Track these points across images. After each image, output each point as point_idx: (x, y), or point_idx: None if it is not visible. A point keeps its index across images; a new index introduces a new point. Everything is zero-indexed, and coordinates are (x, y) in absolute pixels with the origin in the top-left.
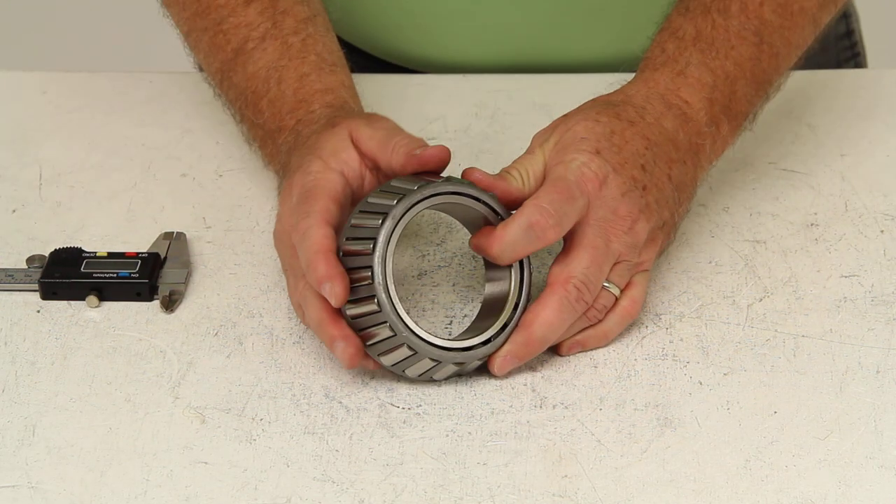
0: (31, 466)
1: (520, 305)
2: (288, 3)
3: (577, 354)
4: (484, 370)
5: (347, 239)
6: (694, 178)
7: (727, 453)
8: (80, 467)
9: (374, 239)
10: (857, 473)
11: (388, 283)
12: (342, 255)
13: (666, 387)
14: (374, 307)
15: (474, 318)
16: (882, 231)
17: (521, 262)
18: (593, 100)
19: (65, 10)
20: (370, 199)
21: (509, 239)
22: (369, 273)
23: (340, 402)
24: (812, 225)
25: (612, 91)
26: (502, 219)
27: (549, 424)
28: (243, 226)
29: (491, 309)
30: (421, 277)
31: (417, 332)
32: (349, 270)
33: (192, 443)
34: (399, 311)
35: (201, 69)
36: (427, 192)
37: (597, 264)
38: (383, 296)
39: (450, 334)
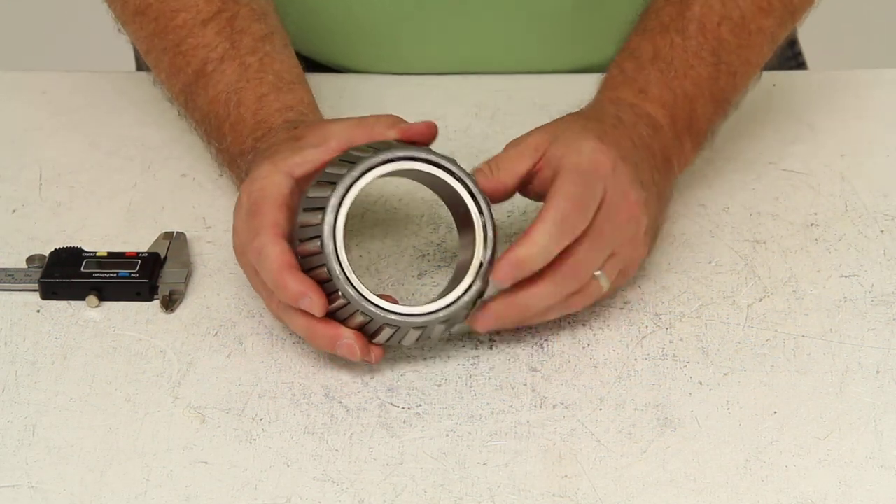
0: (31, 466)
1: (483, 267)
2: (245, 22)
3: (578, 354)
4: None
5: (303, 210)
6: (667, 187)
7: (727, 453)
8: (80, 467)
9: (324, 208)
10: (857, 473)
11: (339, 250)
12: (298, 227)
13: (666, 387)
14: (325, 276)
15: (445, 285)
16: (882, 231)
17: (484, 225)
18: (564, 115)
19: (65, 10)
20: (327, 170)
21: (547, 234)
22: (319, 243)
23: (340, 402)
24: (812, 225)
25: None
26: (463, 183)
27: (549, 424)
28: None
29: (459, 276)
30: (421, 277)
31: (371, 299)
32: (304, 242)
33: (192, 443)
34: (351, 278)
35: (156, 81)
36: (379, 159)
37: (595, 249)
38: (334, 264)
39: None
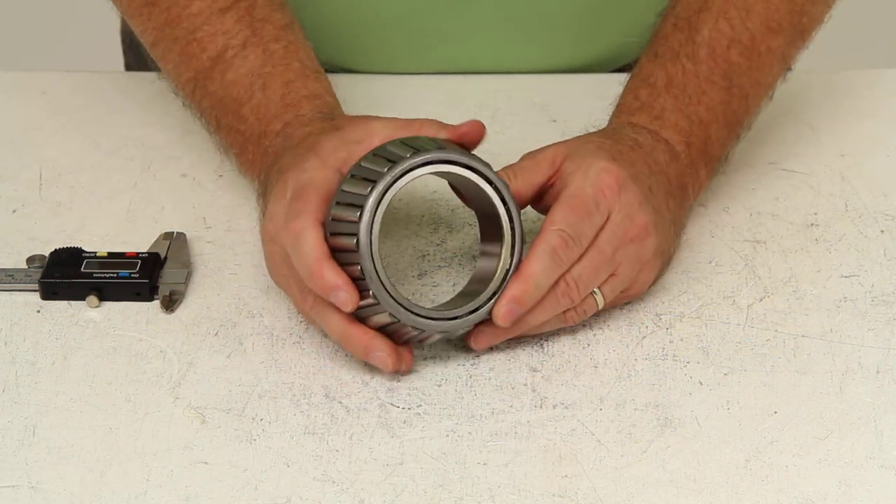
0: (31, 466)
1: (510, 274)
2: (265, 11)
3: (578, 354)
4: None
5: (337, 204)
6: (681, 215)
7: (727, 453)
8: (80, 467)
9: (362, 206)
10: (857, 473)
11: (374, 250)
12: (331, 220)
13: (666, 387)
14: (358, 274)
15: (464, 287)
16: (882, 231)
17: (513, 233)
18: (584, 134)
19: (65, 11)
20: (362, 163)
21: (538, 269)
22: (355, 240)
23: (340, 402)
24: (812, 225)
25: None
26: (498, 191)
27: (549, 424)
28: (243, 226)
29: (482, 280)
30: (421, 277)
31: (401, 302)
32: (336, 236)
33: (192, 443)
34: (383, 279)
35: (160, 75)
36: (419, 161)
37: (593, 267)
38: (368, 264)
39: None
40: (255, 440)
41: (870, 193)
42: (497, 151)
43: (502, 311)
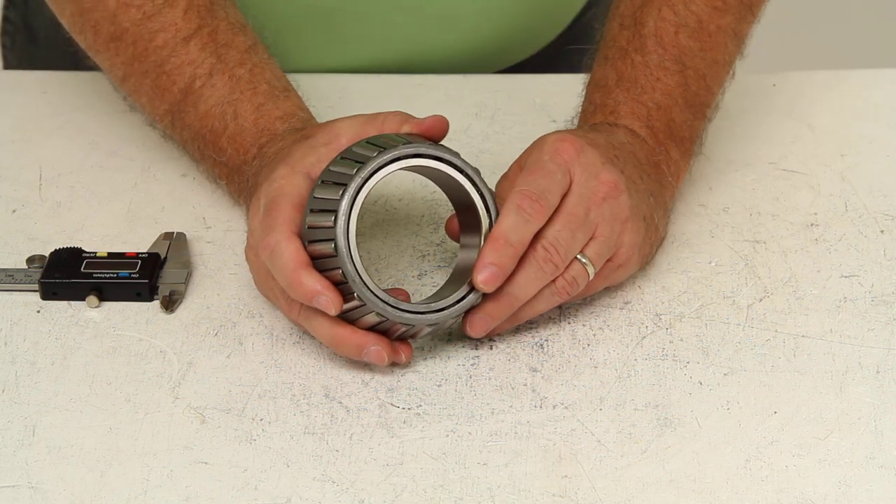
0: (31, 466)
1: None
2: (228, 35)
3: (578, 354)
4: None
5: (311, 211)
6: (661, 192)
7: (727, 453)
8: (80, 467)
9: (336, 211)
10: (857, 473)
11: (353, 253)
12: (307, 228)
13: (666, 387)
14: (340, 278)
15: (446, 281)
16: (882, 231)
17: (491, 220)
18: None
19: None
20: (331, 168)
21: (506, 226)
22: (333, 246)
23: (340, 402)
24: (812, 225)
25: None
26: (470, 178)
27: (549, 424)
28: (243, 226)
29: (463, 273)
30: (421, 277)
31: (386, 300)
32: (314, 243)
33: (192, 443)
34: (365, 280)
35: (132, 107)
36: (386, 158)
37: (569, 229)
38: (349, 267)
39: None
40: (255, 440)
41: (870, 193)
42: (497, 151)
43: (482, 276)
